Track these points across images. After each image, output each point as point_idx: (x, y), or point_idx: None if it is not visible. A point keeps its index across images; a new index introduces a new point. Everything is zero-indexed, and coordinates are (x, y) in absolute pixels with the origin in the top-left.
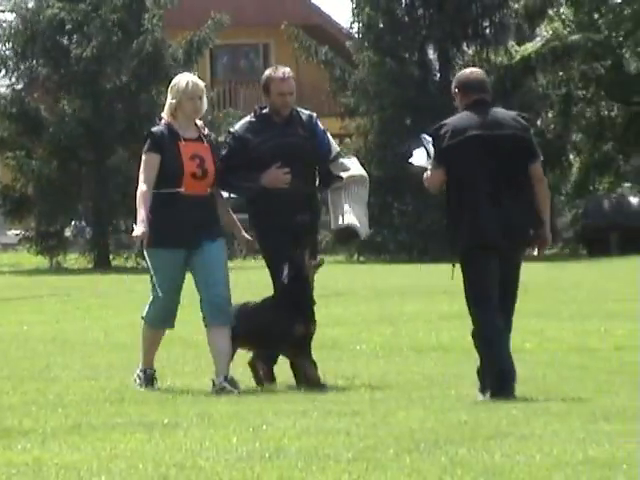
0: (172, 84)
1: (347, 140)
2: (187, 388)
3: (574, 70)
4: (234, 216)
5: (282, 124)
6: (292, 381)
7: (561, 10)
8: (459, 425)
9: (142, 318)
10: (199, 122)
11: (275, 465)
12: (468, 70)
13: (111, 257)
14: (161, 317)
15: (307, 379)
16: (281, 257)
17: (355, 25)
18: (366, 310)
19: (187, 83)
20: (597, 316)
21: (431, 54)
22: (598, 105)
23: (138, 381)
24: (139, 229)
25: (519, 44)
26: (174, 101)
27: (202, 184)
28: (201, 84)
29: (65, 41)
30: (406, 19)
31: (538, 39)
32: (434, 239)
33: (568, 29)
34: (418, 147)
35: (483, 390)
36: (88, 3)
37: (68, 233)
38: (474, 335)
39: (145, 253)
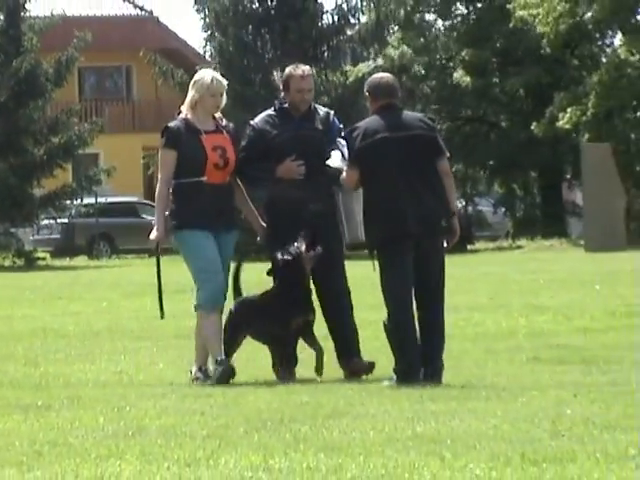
0: (195, 79)
1: None
2: (59, 374)
3: (404, 89)
4: (252, 205)
5: (300, 118)
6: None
7: (394, 35)
8: (301, 405)
9: (195, 308)
10: (217, 114)
11: (137, 442)
12: (379, 75)
13: None
14: (214, 296)
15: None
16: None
17: (207, 49)
18: None
19: (212, 79)
20: None
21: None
22: None
23: (199, 381)
24: (156, 233)
25: (355, 66)
26: (197, 96)
27: (223, 173)
28: (224, 82)
29: None
30: (253, 44)
31: (371, 61)
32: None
33: (399, 51)
34: (334, 150)
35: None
36: None
37: None
38: (386, 325)
39: (177, 241)
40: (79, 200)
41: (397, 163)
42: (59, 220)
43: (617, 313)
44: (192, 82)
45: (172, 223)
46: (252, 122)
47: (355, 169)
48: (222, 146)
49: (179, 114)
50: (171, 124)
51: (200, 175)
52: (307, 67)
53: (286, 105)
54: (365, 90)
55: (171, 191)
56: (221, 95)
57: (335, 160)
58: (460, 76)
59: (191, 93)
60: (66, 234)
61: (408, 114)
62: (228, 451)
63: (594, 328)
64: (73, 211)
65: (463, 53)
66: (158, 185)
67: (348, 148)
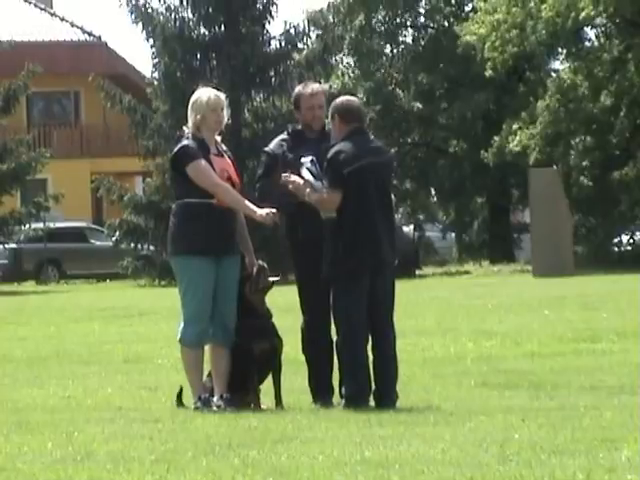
0: (193, 100)
1: (148, 180)
2: (7, 399)
3: None
4: (249, 238)
5: (315, 139)
6: None
7: (342, 60)
8: (250, 430)
9: (179, 342)
10: (217, 138)
11: (86, 467)
12: (346, 98)
13: None
14: (197, 336)
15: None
16: (310, 275)
17: (155, 74)
18: (167, 328)
19: (209, 96)
20: None
21: None
22: None
23: (200, 409)
24: (260, 212)
25: None
26: (199, 117)
27: None
28: (222, 96)
29: None
30: (201, 70)
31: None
32: None
33: (347, 77)
34: (300, 168)
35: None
36: None
37: None
38: (338, 346)
39: (178, 264)
40: (27, 225)
41: (375, 188)
42: (7, 245)
43: (564, 338)
44: (190, 105)
45: (177, 246)
46: (266, 148)
47: (339, 192)
48: (227, 170)
49: (181, 137)
50: (187, 142)
51: (209, 197)
52: (317, 85)
53: (299, 127)
54: (333, 113)
55: (177, 211)
56: (222, 110)
57: (307, 176)
58: (409, 101)
59: (192, 115)
60: (14, 259)
61: (374, 140)
62: (176, 476)
63: (542, 353)
64: (21, 236)
65: (412, 79)
66: (213, 189)
67: (331, 171)
